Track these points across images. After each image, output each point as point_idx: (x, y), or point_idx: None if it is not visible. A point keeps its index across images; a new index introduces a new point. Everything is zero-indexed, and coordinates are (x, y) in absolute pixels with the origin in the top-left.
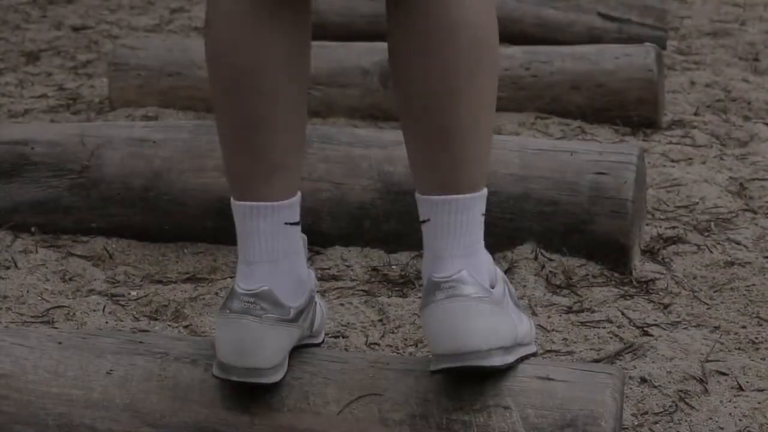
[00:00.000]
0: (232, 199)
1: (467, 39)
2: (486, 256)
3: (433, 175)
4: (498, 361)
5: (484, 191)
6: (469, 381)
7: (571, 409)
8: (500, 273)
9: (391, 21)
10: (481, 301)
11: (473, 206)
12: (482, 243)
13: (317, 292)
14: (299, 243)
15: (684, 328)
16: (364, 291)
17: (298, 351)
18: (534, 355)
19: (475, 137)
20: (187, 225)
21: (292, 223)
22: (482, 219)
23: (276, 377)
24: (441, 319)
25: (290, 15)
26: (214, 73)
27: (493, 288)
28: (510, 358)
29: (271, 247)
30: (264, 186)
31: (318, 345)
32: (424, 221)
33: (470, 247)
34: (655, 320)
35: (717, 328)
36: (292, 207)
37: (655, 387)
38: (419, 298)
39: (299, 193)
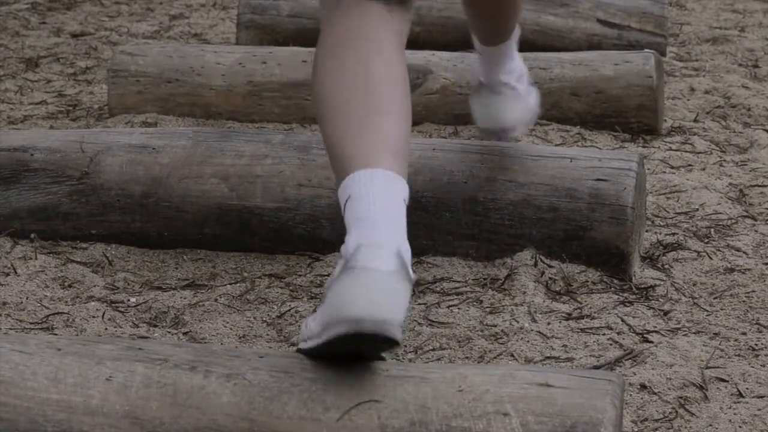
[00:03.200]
0: (353, 171)
1: None
2: (516, 60)
3: (489, 35)
4: (517, 134)
5: (517, 32)
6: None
7: (570, 415)
8: (524, 69)
9: None
10: (515, 99)
11: (512, 45)
12: (515, 53)
13: None
14: (405, 220)
15: (684, 335)
16: None
17: (299, 358)
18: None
19: (513, 11)
20: (186, 231)
21: (405, 201)
22: (515, 45)
23: (401, 336)
24: (488, 104)
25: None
26: (342, 63)
27: (519, 83)
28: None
29: (392, 212)
30: (390, 162)
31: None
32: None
33: (509, 63)
34: (655, 327)
35: (717, 334)
36: (405, 187)
37: (655, 393)
38: (419, 304)
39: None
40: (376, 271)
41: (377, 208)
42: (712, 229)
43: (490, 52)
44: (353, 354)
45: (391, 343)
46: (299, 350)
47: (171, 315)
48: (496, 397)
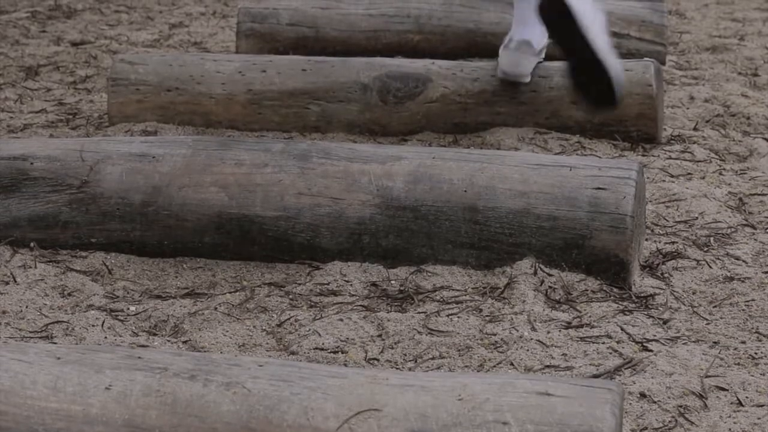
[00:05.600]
0: None
1: None
2: (539, 28)
3: None
4: (527, 79)
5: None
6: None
7: (570, 424)
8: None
9: None
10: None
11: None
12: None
13: None
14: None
15: (683, 344)
16: (363, 306)
17: (298, 367)
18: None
19: None
20: (186, 240)
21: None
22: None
23: (528, 79)
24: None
25: None
26: None
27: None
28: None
29: (530, 18)
30: None
31: (542, 61)
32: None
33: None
34: (655, 335)
35: (716, 343)
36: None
37: (655, 402)
38: (419, 313)
39: None
40: (514, 51)
41: (519, 17)
42: (711, 238)
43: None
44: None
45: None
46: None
47: (170, 324)
48: (496, 405)
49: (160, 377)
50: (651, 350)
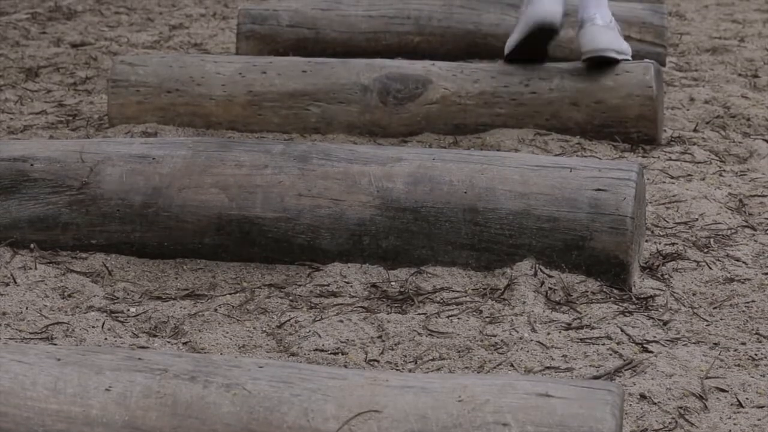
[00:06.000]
0: None
1: None
2: (607, 8)
3: None
4: (612, 54)
5: None
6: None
7: (570, 425)
8: (612, 18)
9: None
10: (605, 28)
11: None
12: (606, 3)
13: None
14: None
15: (683, 345)
16: (363, 308)
17: (298, 368)
18: (630, 59)
19: None
20: (186, 241)
21: None
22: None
23: (560, 29)
24: (587, 34)
25: None
26: None
27: (610, 22)
28: (619, 56)
29: None
30: None
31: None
32: None
33: (601, 3)
34: (655, 337)
35: (716, 344)
36: None
37: (655, 404)
38: (419, 314)
39: None
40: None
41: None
42: (711, 239)
43: None
44: (533, 52)
45: (556, 31)
46: (507, 60)
47: (171, 325)
48: (496, 407)
49: (160, 378)
50: (651, 351)
